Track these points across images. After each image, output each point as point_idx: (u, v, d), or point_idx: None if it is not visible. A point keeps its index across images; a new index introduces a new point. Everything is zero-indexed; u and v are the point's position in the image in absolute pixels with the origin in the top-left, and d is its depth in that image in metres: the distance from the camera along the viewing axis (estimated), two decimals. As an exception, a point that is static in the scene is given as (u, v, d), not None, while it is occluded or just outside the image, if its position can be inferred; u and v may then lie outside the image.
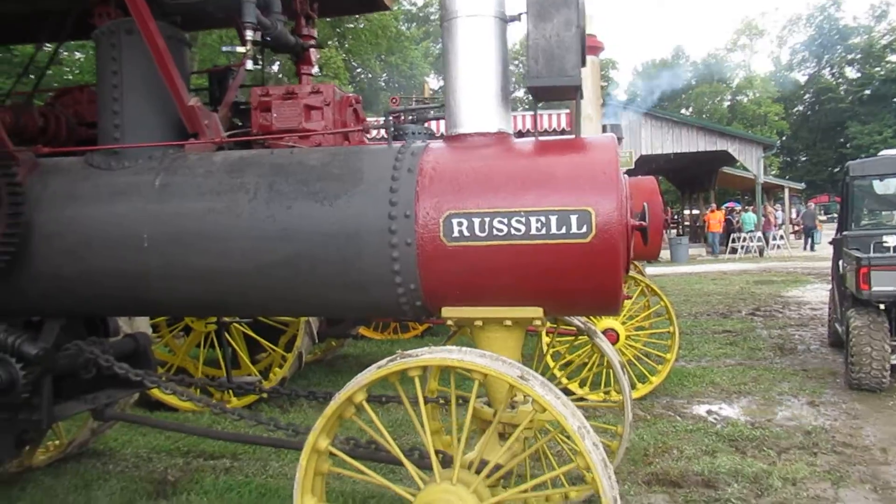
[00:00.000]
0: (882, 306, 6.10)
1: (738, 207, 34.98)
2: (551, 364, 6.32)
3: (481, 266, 2.98)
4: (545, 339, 5.58)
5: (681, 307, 12.33)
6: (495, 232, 2.93)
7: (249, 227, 3.16)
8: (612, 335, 6.25)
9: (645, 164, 29.94)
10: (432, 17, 52.28)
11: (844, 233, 7.09)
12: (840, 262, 7.13)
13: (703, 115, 52.24)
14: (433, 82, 53.94)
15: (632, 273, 6.49)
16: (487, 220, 2.93)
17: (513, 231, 2.92)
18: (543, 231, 2.90)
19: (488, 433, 2.88)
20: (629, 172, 23.65)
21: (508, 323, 3.11)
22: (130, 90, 3.53)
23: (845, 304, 6.75)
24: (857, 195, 7.05)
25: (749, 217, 28.29)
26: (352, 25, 33.76)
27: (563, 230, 2.88)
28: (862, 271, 5.94)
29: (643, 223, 3.08)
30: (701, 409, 5.90)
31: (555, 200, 2.90)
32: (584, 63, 3.23)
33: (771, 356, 7.97)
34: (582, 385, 6.29)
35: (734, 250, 26.89)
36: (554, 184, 2.95)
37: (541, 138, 3.30)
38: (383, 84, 42.59)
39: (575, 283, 2.98)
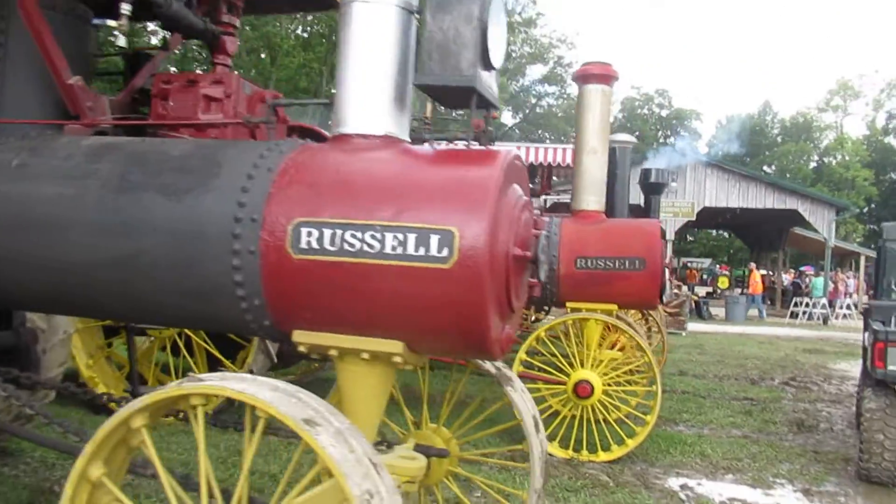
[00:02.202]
0: (900, 389, 5.30)
1: (812, 272, 33.24)
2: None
3: (331, 285, 2.55)
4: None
5: (709, 368, 11.47)
6: (346, 247, 2.49)
7: (94, 217, 2.82)
8: (585, 388, 5.64)
9: (709, 217, 28.80)
10: (513, 55, 52.48)
11: (871, 302, 6.30)
12: (866, 335, 6.34)
13: (787, 175, 50.13)
14: (507, 118, 54.11)
15: (616, 322, 5.89)
16: (339, 232, 2.50)
17: (365, 248, 2.47)
18: (399, 251, 2.44)
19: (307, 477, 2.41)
20: (690, 224, 22.78)
21: (365, 356, 2.66)
22: (14, 64, 3.28)
23: (867, 382, 5.95)
24: (891, 260, 6.26)
25: (819, 282, 26.73)
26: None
27: (422, 251, 2.42)
28: (878, 346, 5.19)
29: (526, 254, 2.58)
30: (675, 483, 5.23)
31: (415, 216, 2.45)
32: (489, 66, 2.80)
33: (784, 432, 7.15)
34: (552, 441, 5.71)
35: (794, 315, 25.35)
36: (417, 196, 2.50)
37: (445, 147, 2.86)
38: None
39: (434, 317, 2.51)
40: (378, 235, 2.46)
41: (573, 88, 70.30)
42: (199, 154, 2.87)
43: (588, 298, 6.16)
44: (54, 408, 5.19)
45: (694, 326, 19.38)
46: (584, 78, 6.36)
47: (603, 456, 5.59)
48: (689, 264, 41.44)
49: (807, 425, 7.44)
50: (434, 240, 2.41)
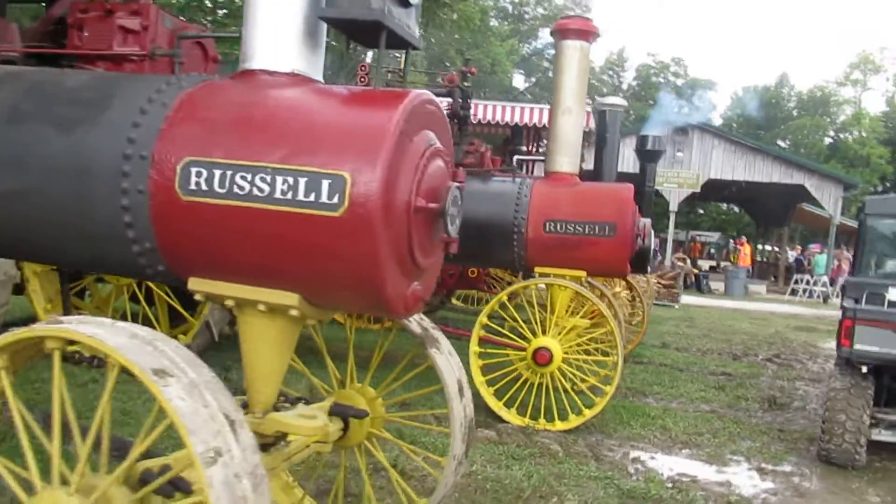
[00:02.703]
0: (865, 369, 5.12)
1: (819, 249, 32.82)
2: (477, 379, 5.64)
3: (221, 230, 2.39)
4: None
5: (694, 341, 11.33)
6: (236, 189, 2.33)
7: (-15, 150, 2.66)
8: (544, 354, 5.50)
9: (714, 190, 28.37)
10: (527, 17, 51.48)
11: (846, 279, 6.09)
12: (841, 314, 6.13)
13: (801, 150, 49.22)
14: (519, 81, 53.20)
15: (577, 287, 5.72)
16: (230, 173, 2.34)
17: (255, 191, 2.31)
18: (289, 196, 2.28)
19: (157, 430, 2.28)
20: (694, 196, 22.26)
21: (262, 308, 2.51)
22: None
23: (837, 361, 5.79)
24: (870, 237, 6.03)
25: (821, 259, 26.39)
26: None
27: (312, 197, 2.25)
28: (845, 324, 5.00)
29: (431, 206, 2.40)
30: (626, 456, 5.10)
31: (307, 159, 2.28)
32: (405, 2, 2.59)
33: (755, 409, 7.02)
34: (510, 407, 5.61)
35: (794, 292, 25.10)
36: (312, 138, 2.33)
37: (357, 88, 2.66)
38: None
39: (327, 268, 2.35)
40: (268, 178, 2.30)
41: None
42: (95, 86, 2.69)
43: (556, 263, 5.99)
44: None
45: (689, 300, 19.21)
46: (561, 33, 6.09)
47: (560, 425, 5.47)
48: (696, 238, 41.08)
49: (778, 403, 7.29)
50: (325, 185, 2.24)
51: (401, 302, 2.49)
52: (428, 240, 2.52)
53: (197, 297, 2.62)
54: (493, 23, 45.77)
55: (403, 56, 7.02)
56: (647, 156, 12.86)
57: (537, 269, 6.04)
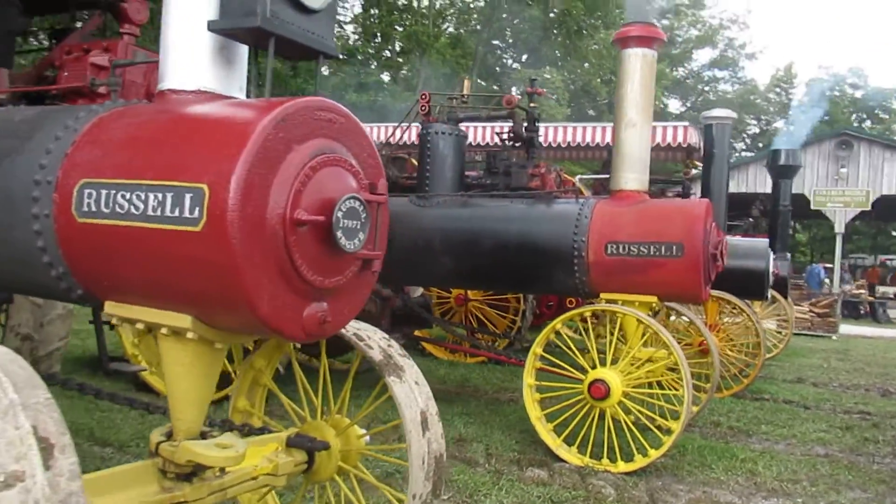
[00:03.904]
0: None
1: None
2: (533, 414, 5.25)
3: (111, 250, 2.37)
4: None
5: (838, 376, 10.02)
6: (117, 209, 2.30)
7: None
8: (599, 388, 5.01)
9: (890, 208, 25.26)
10: (679, 40, 49.68)
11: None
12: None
13: None
14: (675, 105, 51.06)
15: (631, 311, 5.19)
16: (113, 192, 2.31)
17: (132, 209, 2.26)
18: (159, 212, 2.20)
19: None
20: (864, 214, 20.02)
21: (165, 331, 2.43)
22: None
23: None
24: None
25: None
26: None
27: (177, 213, 2.16)
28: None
29: (316, 218, 2.20)
30: None
31: (176, 174, 2.19)
32: (302, 7, 2.46)
33: (884, 453, 5.98)
34: (571, 445, 5.16)
35: None
36: (184, 152, 2.24)
37: (257, 100, 2.54)
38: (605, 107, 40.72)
39: (200, 286, 2.23)
40: (142, 196, 2.24)
41: (748, 71, 65.25)
42: (33, 119, 2.79)
43: (623, 289, 5.50)
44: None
45: (855, 329, 17.16)
46: (623, 41, 5.67)
47: (623, 466, 4.93)
48: (888, 262, 37.22)
49: (919, 448, 6.18)
50: (188, 199, 2.15)
51: (292, 324, 2.31)
52: (325, 256, 2.33)
53: (113, 321, 2.60)
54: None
55: (466, 82, 6.89)
56: (781, 171, 11.74)
57: (603, 296, 5.58)
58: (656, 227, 5.35)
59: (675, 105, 51.88)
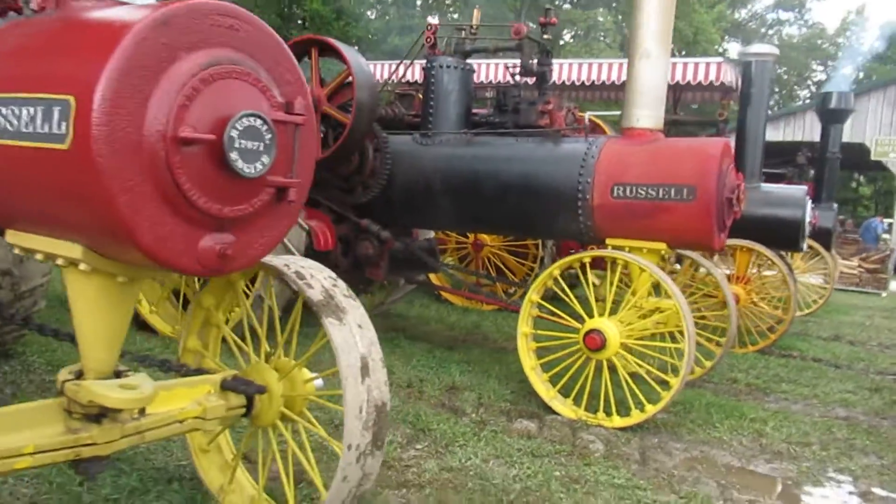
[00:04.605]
0: None
1: None
2: (527, 363, 5.00)
3: (-3, 173, 2.16)
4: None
5: (881, 334, 9.52)
6: (-6, 125, 2.07)
7: None
8: (594, 338, 4.70)
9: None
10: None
11: None
12: None
13: None
14: (733, 50, 48.71)
15: (629, 257, 4.84)
16: (-9, 107, 2.09)
17: (7, 126, 2.06)
18: (31, 128, 1.99)
19: None
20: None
21: (61, 262, 2.24)
22: None
23: None
24: None
25: None
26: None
27: (46, 128, 1.94)
28: None
29: (207, 137, 1.95)
30: (681, 465, 4.21)
31: (46, 85, 1.96)
32: None
33: (913, 417, 5.57)
34: (567, 396, 4.91)
35: None
36: (55, 59, 2.01)
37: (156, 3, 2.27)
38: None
39: (78, 212, 2.02)
40: (17, 111, 2.02)
41: (815, 13, 61.48)
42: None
43: (630, 234, 5.12)
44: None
45: None
46: (638, -35, 5.17)
47: (617, 421, 4.65)
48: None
49: (954, 414, 5.73)
50: (56, 113, 1.91)
51: (183, 256, 2.08)
52: (222, 181, 2.08)
53: (16, 251, 2.42)
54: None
55: (476, 13, 6.48)
56: (831, 116, 10.96)
57: (609, 242, 5.23)
58: (667, 167, 4.94)
59: (735, 49, 49.49)
